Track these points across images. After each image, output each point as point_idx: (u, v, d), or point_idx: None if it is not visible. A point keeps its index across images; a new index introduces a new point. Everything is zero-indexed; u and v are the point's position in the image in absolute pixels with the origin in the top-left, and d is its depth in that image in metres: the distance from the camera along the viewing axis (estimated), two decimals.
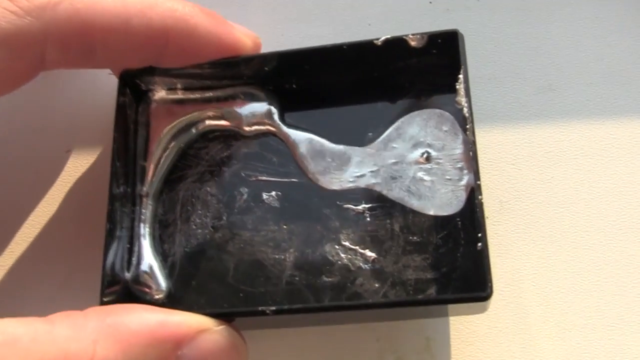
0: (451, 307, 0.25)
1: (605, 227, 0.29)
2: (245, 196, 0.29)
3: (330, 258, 0.27)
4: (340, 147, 0.29)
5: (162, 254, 0.28)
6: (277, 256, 0.27)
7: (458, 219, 0.27)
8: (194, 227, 0.29)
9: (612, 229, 0.29)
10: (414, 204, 0.27)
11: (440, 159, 0.28)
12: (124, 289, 0.27)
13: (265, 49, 0.29)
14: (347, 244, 0.27)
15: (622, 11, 0.32)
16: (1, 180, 0.31)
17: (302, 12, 0.33)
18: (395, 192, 0.28)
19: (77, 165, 0.31)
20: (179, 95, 0.30)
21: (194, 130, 0.29)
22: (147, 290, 0.27)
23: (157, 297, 0.27)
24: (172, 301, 0.27)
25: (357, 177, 0.28)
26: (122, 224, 0.28)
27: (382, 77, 0.29)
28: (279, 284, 0.27)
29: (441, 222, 0.27)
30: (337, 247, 0.27)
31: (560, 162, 0.30)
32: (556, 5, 0.32)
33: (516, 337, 0.28)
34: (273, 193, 0.29)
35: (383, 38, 0.28)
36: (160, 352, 0.22)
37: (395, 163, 0.28)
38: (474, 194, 0.26)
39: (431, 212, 0.27)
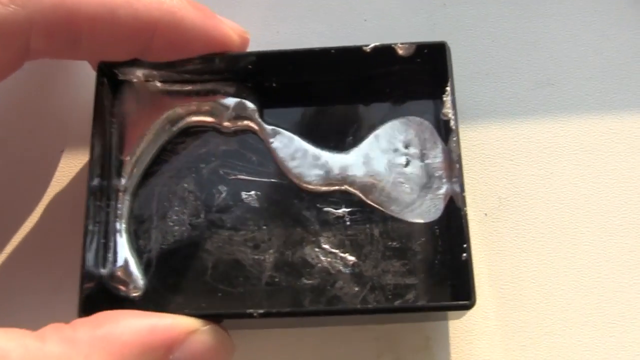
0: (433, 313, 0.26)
1: (605, 222, 0.29)
2: (224, 194, 0.28)
3: (310, 260, 0.27)
4: (321, 150, 0.29)
5: (138, 250, 0.28)
6: (256, 256, 0.28)
7: (436, 227, 0.28)
8: (170, 223, 0.28)
9: (612, 225, 0.29)
10: (393, 210, 0.28)
11: (420, 166, 0.28)
12: (100, 286, 0.26)
13: (261, 46, 0.29)
14: (327, 247, 0.28)
15: (621, 4, 0.32)
16: None
17: (298, 9, 0.33)
18: (374, 198, 0.28)
19: (72, 165, 0.30)
20: (159, 87, 0.29)
21: (174, 126, 0.29)
22: (123, 287, 0.27)
23: (133, 294, 0.27)
24: (148, 299, 0.27)
25: (338, 180, 0.28)
26: (99, 219, 0.27)
27: (364, 81, 0.29)
28: (258, 284, 0.27)
29: (420, 229, 0.28)
30: (317, 249, 0.28)
31: (559, 157, 0.30)
32: None
33: (516, 335, 0.28)
34: (252, 193, 0.28)
35: (372, 45, 0.28)
36: (154, 359, 0.22)
37: (374, 169, 0.28)
38: (452, 202, 0.27)
39: (410, 219, 0.28)
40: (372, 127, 0.29)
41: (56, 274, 0.28)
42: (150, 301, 0.27)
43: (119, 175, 0.28)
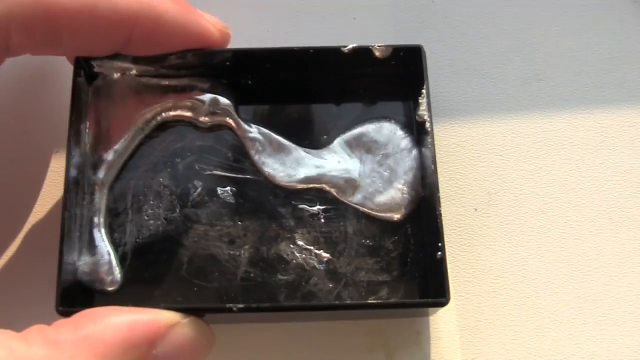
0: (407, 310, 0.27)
1: (594, 217, 0.30)
2: (199, 189, 0.29)
3: (286, 256, 0.28)
4: (296, 147, 0.29)
5: (113, 243, 0.27)
6: (231, 252, 0.28)
7: (408, 226, 0.28)
8: (146, 217, 0.28)
9: (601, 219, 0.30)
10: (366, 208, 0.29)
11: (392, 167, 0.29)
12: (77, 280, 0.26)
13: (250, 44, 0.29)
14: (302, 243, 0.28)
15: None
16: None
17: (287, 7, 0.33)
18: (348, 196, 0.29)
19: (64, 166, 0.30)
20: (136, 81, 0.29)
21: (152, 120, 0.29)
22: (100, 281, 0.27)
23: (110, 288, 0.27)
24: (124, 292, 0.27)
25: (312, 178, 0.29)
26: (76, 212, 0.27)
27: (340, 81, 0.30)
28: (233, 279, 0.27)
29: (392, 227, 0.28)
30: (292, 246, 0.28)
31: (548, 152, 0.30)
32: None
33: (506, 329, 0.28)
34: (228, 188, 0.29)
35: (350, 46, 0.28)
36: (137, 356, 0.22)
37: (349, 168, 0.29)
38: (426, 201, 0.28)
39: (382, 217, 0.28)
40: (348, 127, 0.30)
41: (48, 273, 0.27)
42: (127, 295, 0.27)
43: (96, 169, 0.28)
